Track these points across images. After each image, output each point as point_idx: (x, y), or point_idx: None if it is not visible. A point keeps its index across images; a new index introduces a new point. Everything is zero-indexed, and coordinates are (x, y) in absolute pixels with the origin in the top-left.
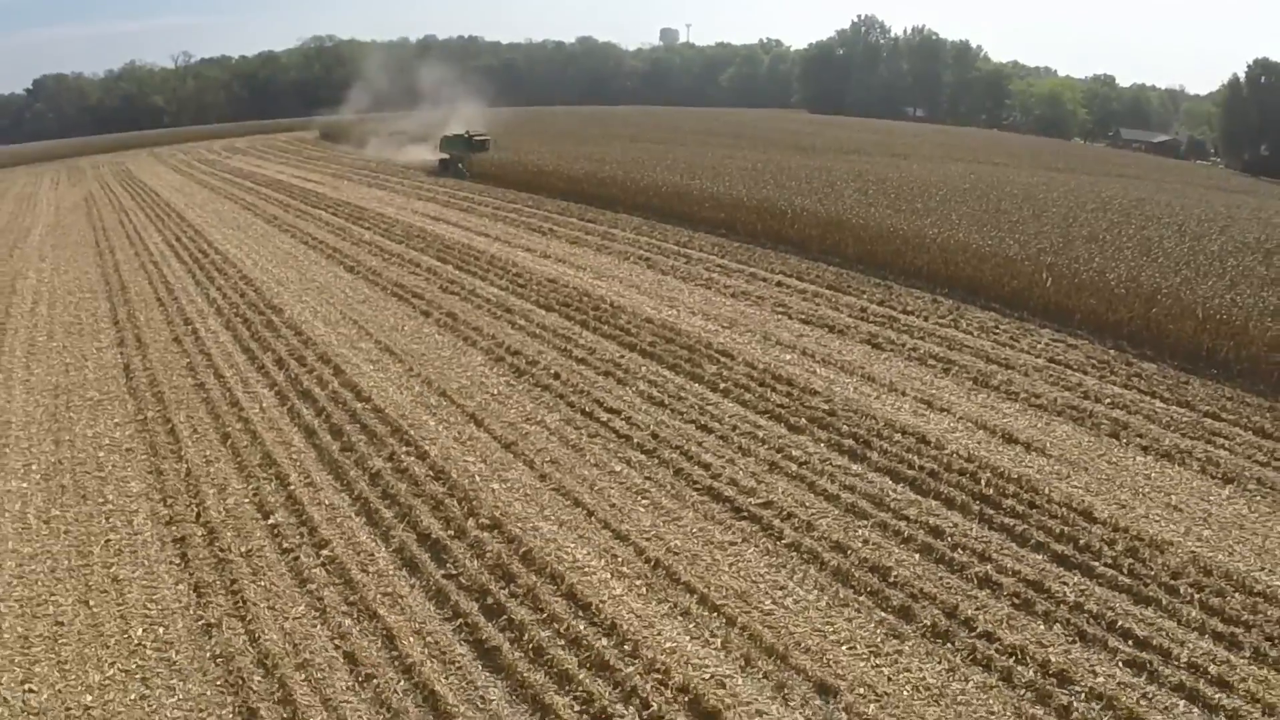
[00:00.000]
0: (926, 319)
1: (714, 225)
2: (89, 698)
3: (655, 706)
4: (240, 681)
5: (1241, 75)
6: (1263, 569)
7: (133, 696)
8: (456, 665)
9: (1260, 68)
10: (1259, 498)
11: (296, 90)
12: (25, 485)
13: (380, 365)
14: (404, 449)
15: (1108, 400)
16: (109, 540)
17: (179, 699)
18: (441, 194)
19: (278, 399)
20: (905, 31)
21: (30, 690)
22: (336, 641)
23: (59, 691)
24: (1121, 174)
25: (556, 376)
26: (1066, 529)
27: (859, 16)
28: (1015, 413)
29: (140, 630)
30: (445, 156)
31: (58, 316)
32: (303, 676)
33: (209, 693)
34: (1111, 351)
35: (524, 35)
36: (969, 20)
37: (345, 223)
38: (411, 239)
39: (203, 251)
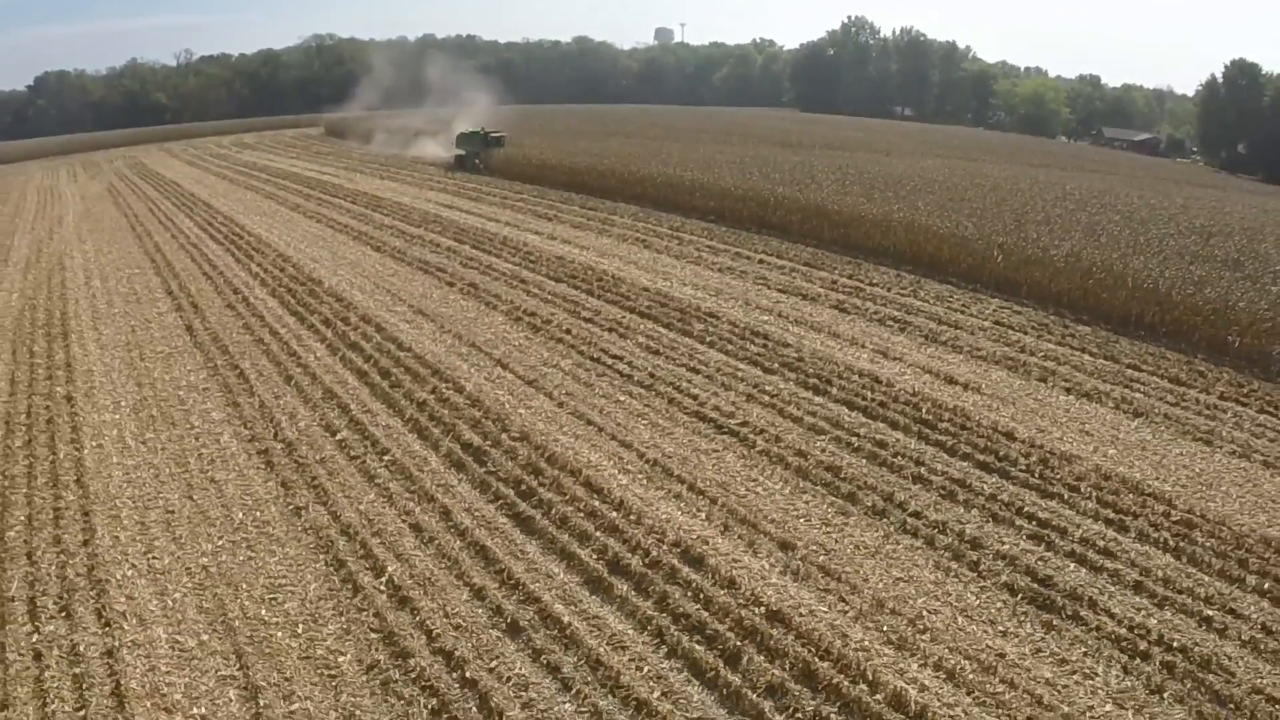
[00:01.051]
0: (889, 290)
1: (704, 212)
2: (205, 560)
3: (655, 554)
4: (329, 545)
5: (1219, 76)
6: (1156, 478)
7: (241, 558)
8: (500, 530)
9: (1236, 69)
10: (1164, 429)
11: (298, 88)
12: (117, 417)
13: (415, 324)
14: (444, 385)
15: (1041, 354)
16: (201, 453)
17: (279, 558)
18: (451, 185)
19: (329, 350)
20: (894, 33)
21: (153, 558)
22: (403, 517)
23: (178, 558)
24: (1095, 169)
25: (568, 332)
26: (990, 444)
27: (849, 17)
28: (958, 362)
29: (240, 514)
30: (461, 152)
31: (113, 288)
32: (379, 540)
33: (304, 553)
34: (1051, 317)
35: (521, 35)
36: (966, 21)
37: (365, 210)
38: (429, 224)
39: (236, 235)
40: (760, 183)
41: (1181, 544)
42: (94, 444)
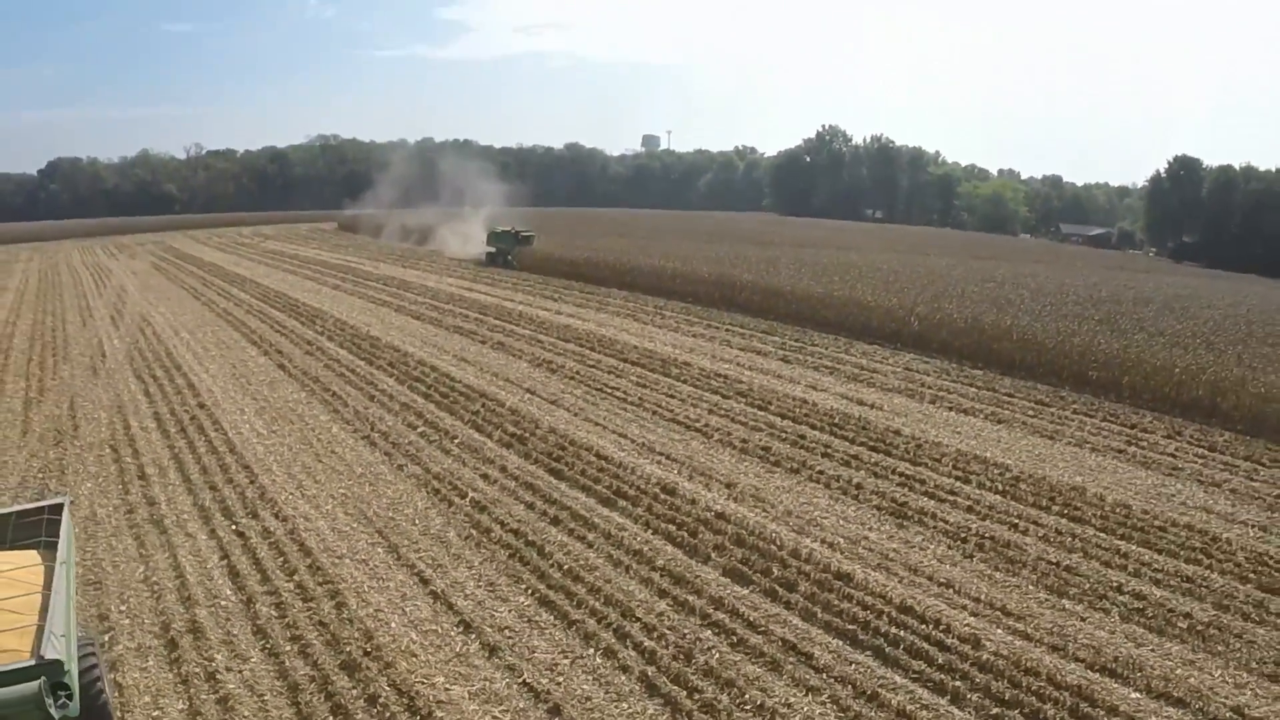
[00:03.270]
0: (826, 348)
1: (683, 295)
2: (341, 490)
3: (642, 488)
4: (426, 484)
5: (1163, 171)
6: (1003, 456)
7: (367, 490)
8: (541, 478)
9: (1179, 164)
10: (1019, 430)
11: (303, 185)
12: (246, 417)
13: (459, 367)
14: (489, 402)
15: (936, 387)
16: (320, 438)
17: (394, 490)
18: (468, 273)
19: (397, 381)
20: (865, 140)
21: (304, 489)
22: (474, 471)
23: (322, 489)
24: (1037, 260)
25: (577, 373)
26: (881, 438)
27: (824, 126)
28: (870, 392)
29: (359, 469)
30: (493, 250)
31: (202, 339)
32: (460, 481)
33: (409, 488)
34: (951, 365)
35: (515, 140)
36: (947, 126)
37: (397, 290)
38: (455, 301)
39: (292, 304)
40: (730, 271)
41: (1009, 489)
42: (234, 432)
